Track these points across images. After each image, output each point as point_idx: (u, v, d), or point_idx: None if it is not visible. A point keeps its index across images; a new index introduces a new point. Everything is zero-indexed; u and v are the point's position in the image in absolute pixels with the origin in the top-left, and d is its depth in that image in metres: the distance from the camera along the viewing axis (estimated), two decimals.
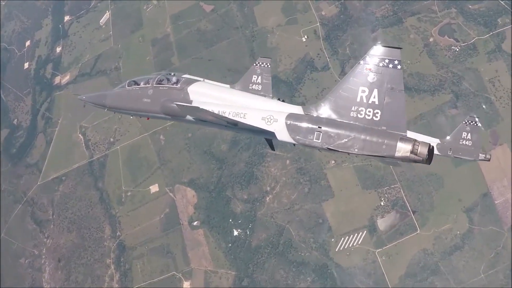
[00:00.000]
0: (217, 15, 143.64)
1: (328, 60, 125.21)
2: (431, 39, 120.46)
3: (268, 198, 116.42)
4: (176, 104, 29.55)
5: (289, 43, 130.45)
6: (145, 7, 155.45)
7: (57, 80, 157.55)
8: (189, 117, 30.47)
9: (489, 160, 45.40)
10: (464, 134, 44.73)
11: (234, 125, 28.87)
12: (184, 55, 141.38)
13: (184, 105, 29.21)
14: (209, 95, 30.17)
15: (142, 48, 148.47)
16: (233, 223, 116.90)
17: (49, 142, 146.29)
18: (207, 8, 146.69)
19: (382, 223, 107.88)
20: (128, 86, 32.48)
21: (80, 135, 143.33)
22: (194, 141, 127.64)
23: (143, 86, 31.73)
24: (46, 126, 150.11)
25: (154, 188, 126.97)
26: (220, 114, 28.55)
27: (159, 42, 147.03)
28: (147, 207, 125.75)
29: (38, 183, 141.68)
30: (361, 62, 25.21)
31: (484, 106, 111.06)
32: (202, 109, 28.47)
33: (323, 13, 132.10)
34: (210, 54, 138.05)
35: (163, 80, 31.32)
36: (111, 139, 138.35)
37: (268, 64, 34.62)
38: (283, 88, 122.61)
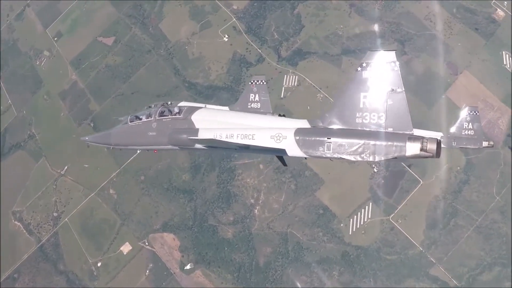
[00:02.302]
0: (122, 45, 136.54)
1: (260, 51, 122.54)
2: None
3: (256, 211, 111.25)
4: (189, 138, 30.46)
5: (212, 48, 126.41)
6: (38, 63, 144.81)
7: None
8: (198, 146, 31.11)
9: (492, 146, 51.52)
10: (465, 124, 49.53)
11: (245, 148, 29.59)
12: (102, 98, 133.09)
13: (198, 139, 30.30)
14: (213, 121, 30.82)
15: (51, 105, 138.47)
16: (229, 250, 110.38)
17: None
18: (107, 41, 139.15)
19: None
20: (130, 122, 33.10)
21: (16, 222, 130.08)
22: (150, 183, 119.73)
23: (145, 120, 32.37)
24: None
25: (126, 248, 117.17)
26: (232, 141, 29.10)
27: (68, 93, 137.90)
28: (126, 271, 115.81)
29: None
30: (358, 69, 26.06)
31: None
32: (217, 140, 29.36)
33: (234, 7, 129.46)
34: (131, 87, 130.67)
35: (164, 111, 32.06)
36: (54, 214, 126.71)
37: (264, 81, 36.77)
38: (224, 95, 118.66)
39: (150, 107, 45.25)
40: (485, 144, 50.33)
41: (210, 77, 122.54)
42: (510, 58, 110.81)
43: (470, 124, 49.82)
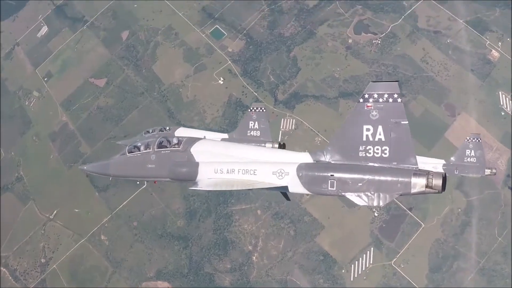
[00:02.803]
0: (114, 87, 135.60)
1: (256, 94, 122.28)
2: (350, 41, 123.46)
3: (254, 258, 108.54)
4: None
5: (207, 91, 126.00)
6: (27, 103, 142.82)
7: None
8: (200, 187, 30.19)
9: (495, 174, 52.63)
10: (468, 151, 49.70)
11: (248, 190, 29.31)
12: (93, 140, 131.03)
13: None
14: (213, 154, 30.11)
15: (41, 147, 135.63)
16: None
17: None
18: (99, 83, 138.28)
19: None
20: (128, 152, 32.20)
21: (2, 268, 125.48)
22: (144, 228, 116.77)
23: (144, 151, 31.51)
24: None
25: None
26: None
27: (58, 135, 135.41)
28: None
29: None
30: (360, 100, 25.13)
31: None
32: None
33: (229, 49, 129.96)
34: (123, 129, 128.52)
35: (163, 142, 31.25)
36: (42, 260, 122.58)
37: (263, 108, 37.99)
38: None
39: (148, 132, 46.93)
40: (487, 172, 50.47)
41: (206, 120, 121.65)
42: (507, 98, 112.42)
43: (473, 151, 49.77)
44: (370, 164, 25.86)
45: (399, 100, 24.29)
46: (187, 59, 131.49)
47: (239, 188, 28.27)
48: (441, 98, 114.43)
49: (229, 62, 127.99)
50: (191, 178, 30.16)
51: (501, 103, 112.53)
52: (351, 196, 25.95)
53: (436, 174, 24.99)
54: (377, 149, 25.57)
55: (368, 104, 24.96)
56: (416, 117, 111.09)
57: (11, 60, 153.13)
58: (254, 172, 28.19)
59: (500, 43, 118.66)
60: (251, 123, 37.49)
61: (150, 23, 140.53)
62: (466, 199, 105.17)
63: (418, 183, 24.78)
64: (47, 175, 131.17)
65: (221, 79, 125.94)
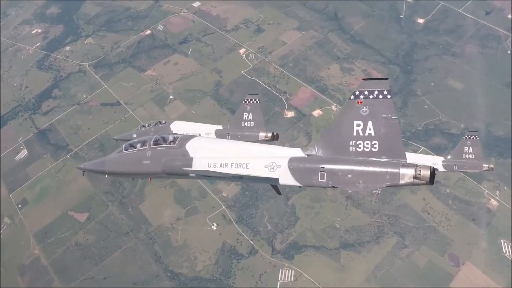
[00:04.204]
0: (96, 223, 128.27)
1: (252, 242, 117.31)
2: (349, 191, 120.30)
3: None
4: (183, 170, 30.84)
5: (199, 236, 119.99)
6: None
7: None
8: (192, 175, 31.53)
9: (492, 169, 55.06)
10: (466, 148, 52.88)
11: (239, 178, 30.25)
12: (68, 279, 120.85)
13: (192, 170, 30.62)
14: (207, 148, 31.44)
15: (7, 280, 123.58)
16: None
17: None
18: (80, 217, 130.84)
19: None
20: (125, 150, 33.57)
21: None
22: None
23: (140, 148, 32.93)
24: None
25: None
26: (225, 171, 29.57)
27: (28, 268, 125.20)
28: None
29: None
30: (352, 97, 26.54)
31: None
32: (210, 171, 29.80)
33: (224, 194, 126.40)
34: (103, 271, 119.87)
35: (159, 140, 32.66)
36: None
37: (257, 100, 39.92)
38: None
39: (144, 126, 49.53)
40: (485, 167, 53.57)
41: (196, 267, 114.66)
42: (508, 246, 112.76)
43: (471, 148, 52.83)
44: (360, 158, 26.83)
45: (388, 96, 25.56)
46: (178, 200, 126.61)
47: (231, 172, 29.13)
48: (444, 248, 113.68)
49: (223, 207, 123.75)
50: (185, 173, 31.28)
51: (504, 251, 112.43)
52: (341, 187, 27.09)
53: (425, 166, 26.05)
54: (367, 143, 26.58)
55: (359, 100, 26.20)
56: (420, 269, 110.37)
57: None
58: (246, 165, 29.26)
59: (497, 192, 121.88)
60: (245, 114, 38.60)
61: None
62: None
63: (406, 174, 25.78)
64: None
65: (215, 224, 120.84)
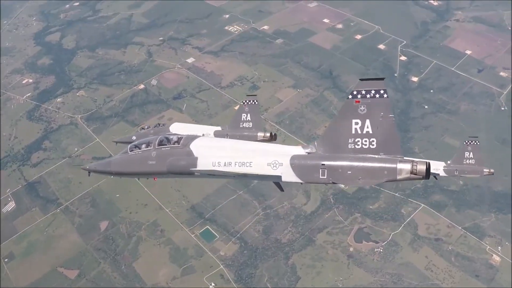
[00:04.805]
0: (87, 281, 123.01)
1: None
2: (351, 249, 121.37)
3: None
4: (191, 170, 31.59)
5: None
6: None
7: None
8: (197, 174, 32.21)
9: (492, 174, 54.98)
10: (467, 154, 53.58)
11: (243, 176, 31.07)
12: None
13: (199, 170, 31.36)
14: (212, 148, 32.07)
15: None
16: None
17: None
18: (70, 274, 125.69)
19: None
20: (130, 151, 34.43)
21: None
22: None
23: (145, 149, 33.87)
24: None
25: None
26: (230, 170, 30.30)
27: None
28: None
29: None
30: (350, 97, 27.54)
31: None
32: (216, 170, 30.46)
33: (222, 253, 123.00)
34: None
35: (163, 140, 33.57)
36: None
37: (255, 101, 40.81)
38: None
39: (143, 128, 49.92)
40: (486, 171, 54.09)
41: None
42: None
43: (471, 153, 53.52)
44: (359, 154, 27.96)
45: (385, 96, 26.60)
46: (173, 259, 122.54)
47: (235, 171, 30.01)
48: None
49: (221, 266, 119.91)
50: (190, 172, 31.98)
51: None
52: (341, 182, 28.39)
53: (420, 161, 27.23)
54: (365, 141, 27.71)
55: (357, 100, 27.21)
56: None
57: None
58: (250, 164, 30.06)
59: (499, 247, 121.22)
60: (244, 115, 39.03)
61: (133, 216, 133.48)
62: None
63: (403, 169, 26.80)
64: None
65: (212, 284, 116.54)
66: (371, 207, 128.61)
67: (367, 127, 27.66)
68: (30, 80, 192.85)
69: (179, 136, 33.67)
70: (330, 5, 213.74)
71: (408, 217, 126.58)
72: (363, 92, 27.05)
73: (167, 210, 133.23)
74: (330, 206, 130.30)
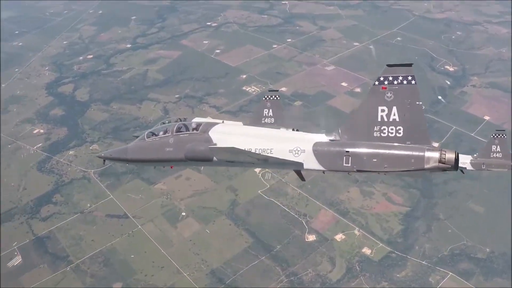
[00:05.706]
0: None
1: None
2: None
3: None
4: (210, 147, 30.95)
5: None
6: None
7: None
8: (215, 159, 31.40)
9: None
10: (494, 147, 52.99)
11: (264, 161, 30.29)
12: None
13: (218, 148, 30.72)
14: (231, 135, 31.76)
15: None
16: None
17: None
18: None
19: None
20: (147, 138, 34.19)
21: None
22: None
23: (162, 136, 33.58)
24: None
25: None
26: (252, 152, 29.72)
27: None
28: None
29: None
30: (376, 83, 26.91)
31: None
32: (238, 149, 29.09)
33: None
34: None
35: (181, 127, 33.23)
36: None
37: (278, 96, 38.86)
38: None
39: (163, 123, 47.97)
40: None
41: None
42: None
43: (498, 147, 52.79)
44: (385, 142, 27.30)
45: (413, 82, 26.05)
46: None
47: (259, 153, 29.70)
48: None
49: None
50: (208, 158, 31.45)
51: None
52: (366, 169, 27.72)
53: (449, 150, 26.50)
54: (392, 129, 27.28)
55: (383, 86, 26.71)
56: None
57: None
58: (271, 151, 30.04)
59: None
60: (266, 111, 38.16)
61: (149, 278, 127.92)
62: None
63: (432, 158, 26.16)
64: None
65: None
66: (398, 275, 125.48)
67: (394, 115, 27.25)
68: (42, 131, 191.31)
69: (197, 123, 33.40)
70: (347, 68, 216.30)
71: (437, 286, 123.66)
72: (390, 78, 26.70)
73: (185, 274, 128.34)
74: (356, 274, 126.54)
